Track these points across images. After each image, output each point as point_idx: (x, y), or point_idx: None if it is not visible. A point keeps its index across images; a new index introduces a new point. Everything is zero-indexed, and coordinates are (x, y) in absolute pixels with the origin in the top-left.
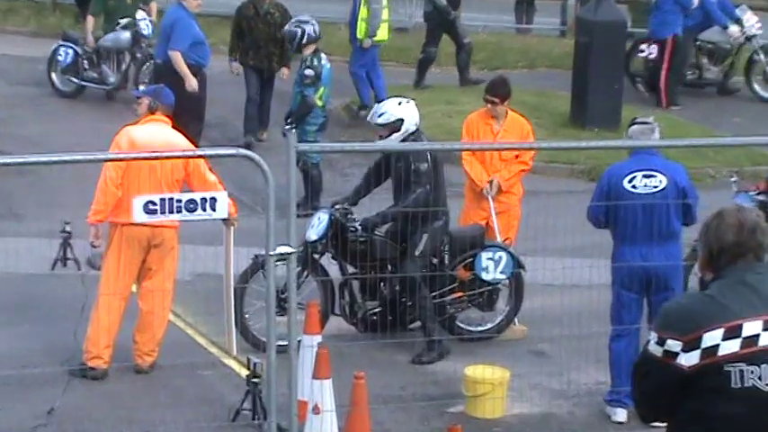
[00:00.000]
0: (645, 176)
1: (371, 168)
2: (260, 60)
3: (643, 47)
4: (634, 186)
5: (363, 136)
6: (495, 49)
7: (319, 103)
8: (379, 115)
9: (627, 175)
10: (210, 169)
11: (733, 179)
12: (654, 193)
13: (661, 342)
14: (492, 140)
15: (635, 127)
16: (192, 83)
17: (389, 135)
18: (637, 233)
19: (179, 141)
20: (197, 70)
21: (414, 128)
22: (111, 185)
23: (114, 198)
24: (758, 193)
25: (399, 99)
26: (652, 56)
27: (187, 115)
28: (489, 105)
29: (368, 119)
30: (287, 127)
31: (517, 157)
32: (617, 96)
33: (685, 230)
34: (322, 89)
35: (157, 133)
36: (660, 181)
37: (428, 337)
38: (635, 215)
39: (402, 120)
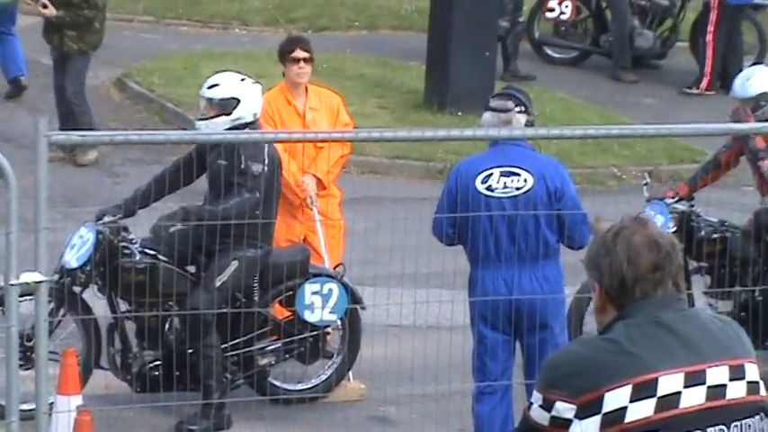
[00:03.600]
0: (504, 174)
1: (177, 165)
2: None
3: (552, 4)
4: (489, 188)
5: (141, 122)
6: (321, 2)
7: None
8: (210, 86)
9: (480, 173)
10: None
11: (644, 182)
12: (516, 196)
13: (547, 405)
14: (302, 126)
15: (487, 114)
16: None
17: (215, 117)
18: (498, 252)
19: None
20: None
21: (251, 118)
22: None
23: None
24: (677, 200)
25: (243, 76)
26: (565, 16)
27: None
28: (299, 67)
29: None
30: None
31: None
32: (488, 67)
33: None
34: None
35: None
36: (525, 180)
37: (206, 397)
38: (494, 227)
39: (238, 101)
